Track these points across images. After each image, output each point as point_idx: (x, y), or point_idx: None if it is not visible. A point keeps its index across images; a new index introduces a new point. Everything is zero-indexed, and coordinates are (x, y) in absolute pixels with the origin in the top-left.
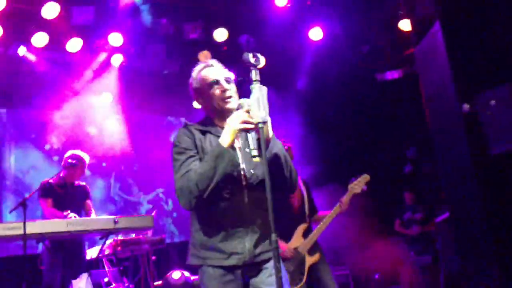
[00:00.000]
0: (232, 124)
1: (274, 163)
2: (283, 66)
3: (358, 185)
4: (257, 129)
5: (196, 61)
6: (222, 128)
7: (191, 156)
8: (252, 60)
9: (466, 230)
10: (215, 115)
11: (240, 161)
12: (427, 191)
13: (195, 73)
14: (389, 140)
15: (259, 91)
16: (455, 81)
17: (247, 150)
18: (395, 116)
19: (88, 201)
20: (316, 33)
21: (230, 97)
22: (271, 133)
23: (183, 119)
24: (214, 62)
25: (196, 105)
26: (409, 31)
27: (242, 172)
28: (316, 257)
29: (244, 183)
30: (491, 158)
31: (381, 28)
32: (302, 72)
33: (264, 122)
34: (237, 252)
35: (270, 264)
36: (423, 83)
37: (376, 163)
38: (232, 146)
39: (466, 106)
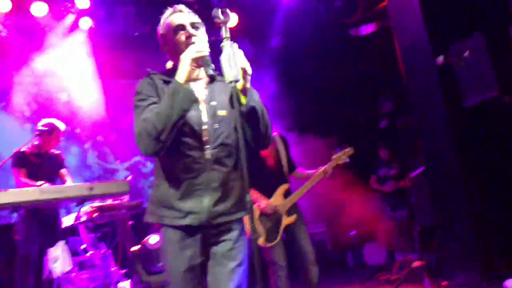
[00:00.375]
0: (185, 57)
1: (249, 117)
2: (256, 22)
3: (341, 156)
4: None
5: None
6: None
7: (153, 103)
8: (221, 16)
9: (441, 183)
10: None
11: (203, 115)
12: (402, 146)
13: (162, 19)
14: (364, 96)
15: (230, 48)
16: (428, 33)
17: (211, 103)
18: (370, 71)
19: (63, 170)
20: None
21: (194, 43)
22: (248, 85)
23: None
24: (182, 7)
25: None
26: None
27: (204, 127)
28: (293, 217)
29: (205, 138)
30: (465, 110)
31: None
32: (276, 29)
33: (236, 81)
34: (194, 212)
35: (233, 234)
36: (397, 37)
37: (351, 119)
38: (194, 96)
39: (440, 59)
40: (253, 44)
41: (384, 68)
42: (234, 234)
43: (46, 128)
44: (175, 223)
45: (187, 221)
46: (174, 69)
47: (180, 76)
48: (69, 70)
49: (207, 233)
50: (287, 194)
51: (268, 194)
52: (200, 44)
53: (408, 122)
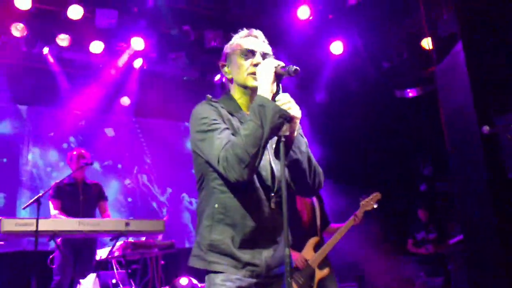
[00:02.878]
0: (266, 67)
1: (294, 169)
2: (303, 79)
3: (369, 202)
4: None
5: (215, 69)
6: (247, 111)
7: (226, 128)
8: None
9: (479, 255)
10: (237, 91)
11: (271, 158)
12: (442, 211)
13: (233, 38)
14: (405, 158)
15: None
16: (475, 102)
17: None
18: (412, 134)
19: (104, 203)
20: (337, 47)
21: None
22: (295, 133)
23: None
24: (259, 33)
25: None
26: (430, 50)
27: (269, 168)
28: (325, 271)
29: (270, 182)
30: (509, 182)
31: (402, 45)
32: (322, 85)
33: (285, 135)
34: (253, 264)
35: (280, 285)
36: (443, 103)
37: (391, 180)
38: (285, 112)
39: (486, 128)
40: (297, 97)
41: (427, 131)
42: (281, 284)
43: (70, 156)
44: (229, 272)
45: (243, 273)
46: (232, 99)
47: (264, 90)
48: (117, 107)
49: (260, 282)
50: (317, 247)
51: (298, 248)
52: (276, 60)
53: (448, 187)
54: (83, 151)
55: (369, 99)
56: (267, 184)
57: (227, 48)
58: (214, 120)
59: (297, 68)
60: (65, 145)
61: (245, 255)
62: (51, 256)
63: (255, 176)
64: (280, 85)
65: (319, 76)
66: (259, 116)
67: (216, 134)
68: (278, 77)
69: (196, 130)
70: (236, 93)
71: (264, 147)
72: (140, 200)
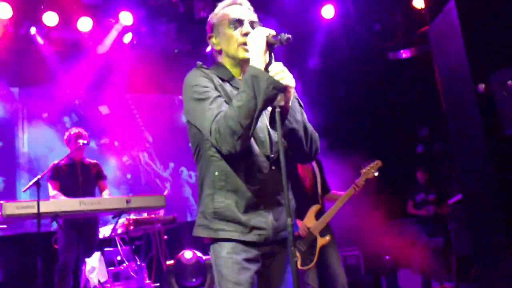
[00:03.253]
0: (257, 37)
1: (291, 138)
2: (295, 45)
3: (370, 170)
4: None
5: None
6: (239, 78)
7: (218, 96)
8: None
9: (478, 213)
10: (227, 62)
11: (265, 117)
12: (440, 171)
13: (218, 8)
14: (401, 120)
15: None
16: (470, 60)
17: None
18: (407, 96)
19: (103, 181)
20: (328, 11)
21: None
22: (290, 103)
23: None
24: (243, 0)
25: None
26: (422, 9)
27: (267, 132)
28: (327, 238)
29: (269, 145)
30: (505, 138)
31: (394, 6)
32: (314, 50)
33: (280, 106)
34: (260, 227)
35: (285, 253)
36: (437, 62)
37: (388, 143)
38: (279, 83)
39: (482, 86)
40: (290, 63)
41: (422, 92)
42: (286, 252)
43: (71, 134)
44: (237, 238)
45: (251, 237)
46: (223, 67)
47: (256, 60)
48: (110, 84)
49: (267, 251)
50: (319, 215)
51: (301, 215)
52: (267, 29)
53: (446, 147)
54: (80, 130)
55: (362, 62)
56: (266, 147)
57: (213, 18)
58: (206, 88)
59: (289, 36)
60: (61, 125)
61: (251, 219)
62: (54, 237)
63: (252, 140)
64: (273, 54)
65: (311, 41)
66: (252, 87)
67: (208, 104)
68: (270, 46)
69: (188, 99)
70: (227, 64)
71: (257, 118)
72: (141, 176)
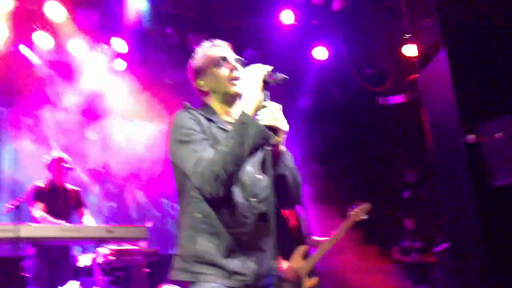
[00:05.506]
0: (254, 78)
1: (279, 183)
2: (285, 83)
3: (359, 212)
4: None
5: None
6: (226, 120)
7: (204, 139)
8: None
9: (466, 262)
10: (216, 101)
11: (254, 167)
12: (426, 218)
13: (199, 52)
14: (388, 164)
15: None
16: (459, 110)
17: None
18: (395, 141)
19: (83, 210)
20: (320, 52)
21: (238, 78)
22: (283, 147)
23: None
24: (221, 42)
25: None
26: (414, 57)
27: (252, 176)
28: (313, 280)
29: (252, 189)
30: (493, 189)
31: (386, 52)
32: (305, 90)
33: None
34: (240, 273)
35: None
36: (426, 110)
37: (375, 187)
38: (266, 132)
39: (471, 137)
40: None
41: (410, 138)
42: None
43: (50, 161)
44: (219, 283)
45: (231, 282)
46: (209, 108)
47: (249, 105)
48: (99, 110)
49: None
50: (306, 256)
51: (287, 256)
52: (264, 66)
53: (432, 193)
54: (62, 155)
55: (352, 104)
56: (248, 191)
57: (196, 62)
58: (191, 130)
59: (286, 77)
60: (47, 148)
61: (232, 264)
62: (22, 264)
63: (236, 183)
64: (268, 93)
65: (302, 81)
66: (241, 133)
67: (192, 146)
68: (265, 84)
69: (173, 140)
70: (215, 103)
71: (242, 164)
72: (126, 205)
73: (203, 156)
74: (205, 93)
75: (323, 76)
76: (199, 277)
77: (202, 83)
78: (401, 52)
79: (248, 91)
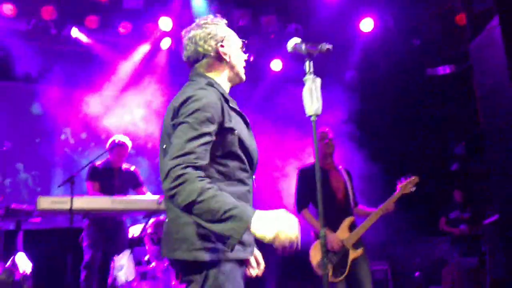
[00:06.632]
0: (276, 226)
1: None
2: (332, 56)
3: (408, 185)
4: None
5: (245, 47)
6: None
7: (209, 134)
8: (304, 49)
9: None
10: (225, 76)
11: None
12: (476, 191)
13: (220, 20)
14: (437, 136)
15: (312, 83)
16: None
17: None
18: (444, 112)
19: (141, 188)
20: (367, 24)
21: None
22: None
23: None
24: None
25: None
26: (464, 26)
27: (255, 149)
28: (359, 251)
29: (255, 164)
30: None
31: (435, 22)
32: (351, 64)
33: (317, 115)
34: (251, 244)
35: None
36: (477, 80)
37: (423, 159)
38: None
39: None
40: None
41: (458, 110)
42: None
43: (115, 143)
44: (239, 257)
45: (247, 254)
46: (216, 83)
47: (257, 228)
48: (146, 87)
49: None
50: (352, 227)
51: (335, 227)
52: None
53: (482, 166)
54: (125, 140)
55: (399, 77)
56: (254, 167)
57: (221, 27)
58: (209, 122)
59: (329, 47)
60: (100, 126)
61: (246, 237)
62: (81, 235)
63: (248, 163)
64: (311, 63)
65: (349, 54)
66: (231, 223)
67: (194, 134)
68: (309, 55)
69: (185, 114)
70: (223, 78)
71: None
72: None
73: (194, 159)
74: (219, 63)
75: (369, 48)
76: (227, 255)
77: (225, 51)
78: (451, 21)
79: (266, 227)
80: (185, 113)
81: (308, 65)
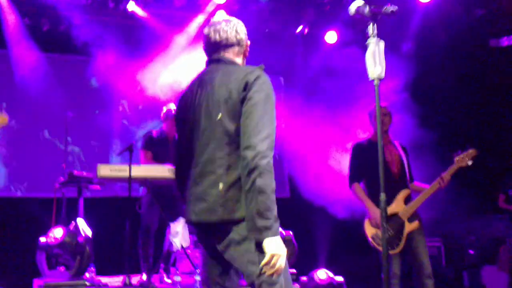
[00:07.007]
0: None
1: None
2: (389, 27)
3: (464, 158)
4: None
5: (299, 19)
6: None
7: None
8: (367, 12)
9: None
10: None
11: None
12: None
13: (244, 28)
14: (499, 110)
15: (375, 46)
16: None
17: None
18: (507, 85)
19: None
20: None
21: None
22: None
23: (281, 78)
24: None
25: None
26: None
27: None
28: (415, 224)
29: None
30: None
31: None
32: (409, 35)
33: (380, 79)
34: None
35: None
36: None
37: (484, 134)
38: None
39: None
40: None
41: None
42: None
43: (169, 113)
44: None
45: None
46: None
47: (268, 245)
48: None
49: None
50: (407, 200)
51: (389, 200)
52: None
53: None
54: (170, 106)
55: (460, 48)
56: None
57: (245, 36)
58: (274, 109)
59: (394, 9)
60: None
61: None
62: (138, 203)
63: None
64: (375, 27)
65: (406, 25)
66: (276, 224)
67: (272, 122)
68: (373, 17)
69: (266, 98)
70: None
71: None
72: None
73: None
74: (242, 55)
75: (429, 19)
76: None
77: (241, 50)
78: None
79: (273, 247)
80: (259, 90)
81: (372, 28)
